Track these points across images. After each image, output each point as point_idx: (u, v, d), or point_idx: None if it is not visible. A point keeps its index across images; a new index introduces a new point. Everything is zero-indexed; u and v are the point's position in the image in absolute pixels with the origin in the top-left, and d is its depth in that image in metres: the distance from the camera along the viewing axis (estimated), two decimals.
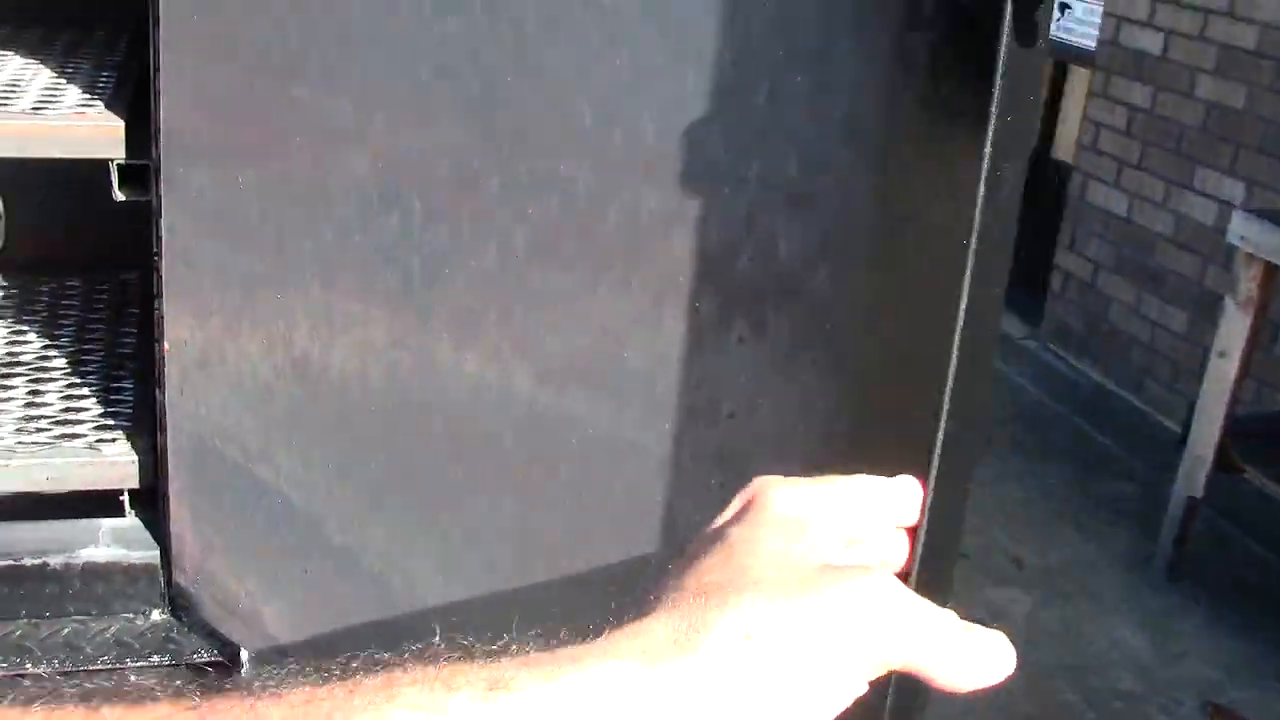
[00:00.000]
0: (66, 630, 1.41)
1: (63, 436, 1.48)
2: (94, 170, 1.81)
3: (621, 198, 1.08)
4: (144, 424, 1.51)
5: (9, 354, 1.69)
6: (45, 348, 1.71)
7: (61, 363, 1.67)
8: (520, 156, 1.03)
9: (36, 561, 1.41)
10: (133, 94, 1.45)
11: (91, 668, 1.37)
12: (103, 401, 1.57)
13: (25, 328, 1.77)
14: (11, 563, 1.40)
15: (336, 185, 1.14)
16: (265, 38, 1.16)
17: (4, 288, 1.90)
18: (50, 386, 1.61)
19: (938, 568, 0.75)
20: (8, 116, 1.35)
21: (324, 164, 1.14)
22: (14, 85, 1.48)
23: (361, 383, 1.18)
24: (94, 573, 1.42)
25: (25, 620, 1.42)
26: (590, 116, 1.07)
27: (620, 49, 1.06)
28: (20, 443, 1.46)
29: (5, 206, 1.93)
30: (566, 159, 1.02)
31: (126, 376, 1.64)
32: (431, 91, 1.07)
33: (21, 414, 1.52)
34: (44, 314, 1.82)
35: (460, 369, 1.11)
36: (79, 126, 1.35)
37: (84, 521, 1.46)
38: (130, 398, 1.58)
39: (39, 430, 1.49)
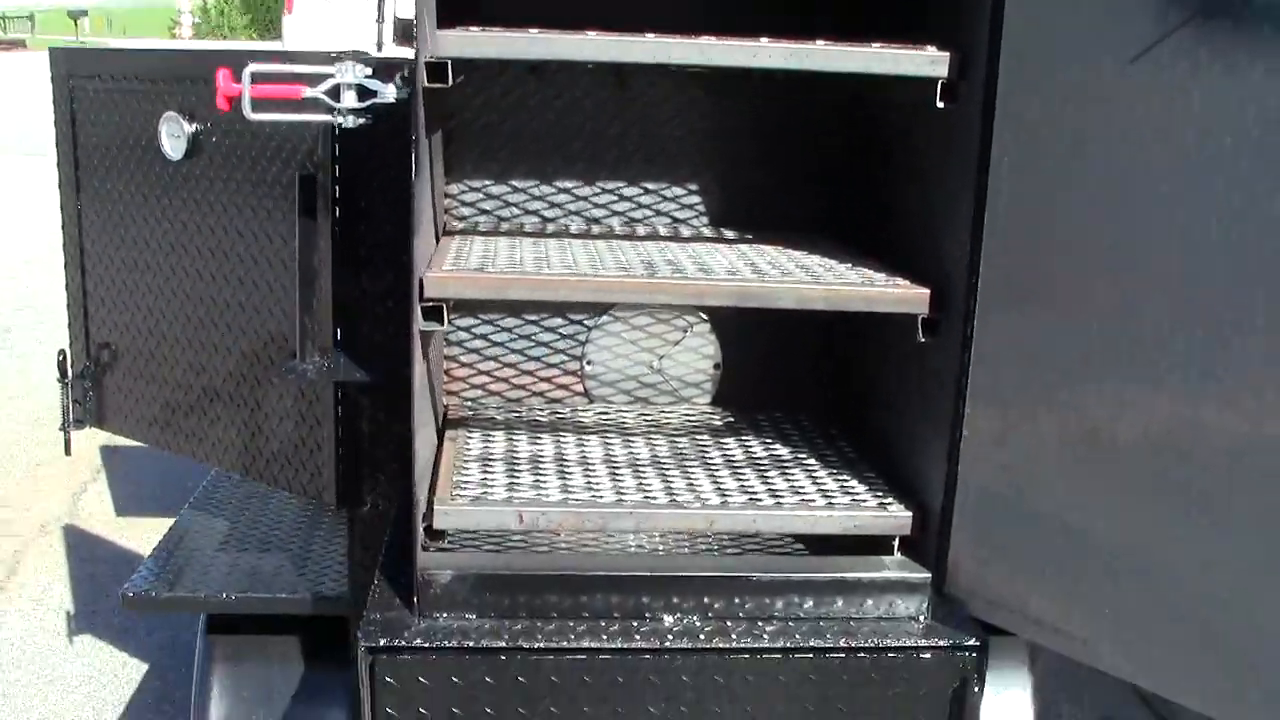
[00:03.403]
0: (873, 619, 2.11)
1: (854, 501, 2.22)
2: (794, 331, 2.62)
3: None
4: (908, 490, 2.23)
5: (771, 455, 2.46)
6: (792, 452, 2.48)
7: (813, 461, 2.43)
8: None
9: (853, 576, 2.12)
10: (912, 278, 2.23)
11: (884, 644, 2.05)
12: (861, 480, 2.31)
13: (770, 439, 2.55)
14: (836, 576, 2.12)
15: (1133, 321, 1.83)
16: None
17: (731, 416, 2.71)
18: (820, 473, 2.36)
19: None
20: (848, 285, 2.14)
21: (1125, 300, 1.83)
22: (824, 265, 2.28)
23: (1141, 436, 1.83)
24: (887, 586, 2.12)
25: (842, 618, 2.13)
26: None
27: None
28: (829, 504, 2.20)
29: (725, 356, 2.76)
30: None
31: (866, 467, 2.38)
32: None
33: (814, 488, 2.27)
34: (772, 431, 2.60)
35: (1214, 426, 1.76)
36: (897, 293, 2.12)
37: (872, 557, 2.18)
38: (879, 478, 2.32)
39: (836, 496, 2.23)
